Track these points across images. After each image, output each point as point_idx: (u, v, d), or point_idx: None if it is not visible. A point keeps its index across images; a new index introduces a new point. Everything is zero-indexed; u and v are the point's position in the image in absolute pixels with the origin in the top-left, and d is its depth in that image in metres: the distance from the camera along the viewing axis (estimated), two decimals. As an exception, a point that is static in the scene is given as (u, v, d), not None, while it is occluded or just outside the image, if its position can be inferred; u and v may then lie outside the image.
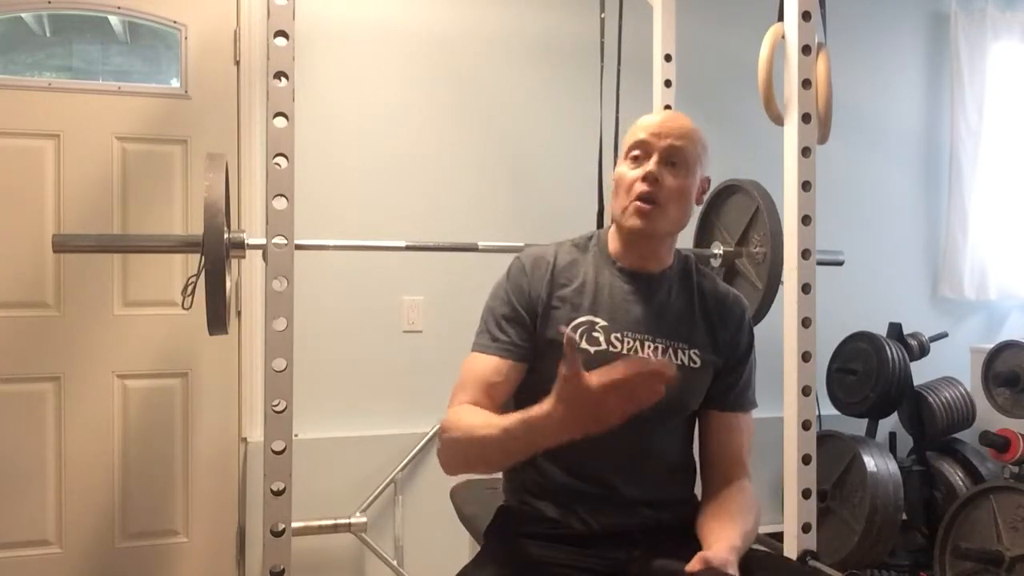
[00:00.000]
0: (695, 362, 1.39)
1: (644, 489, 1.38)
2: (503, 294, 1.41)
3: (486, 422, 1.24)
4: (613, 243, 1.45)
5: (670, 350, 1.38)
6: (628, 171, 1.39)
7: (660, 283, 1.42)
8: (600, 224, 2.57)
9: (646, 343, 1.37)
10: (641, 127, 1.40)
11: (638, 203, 1.36)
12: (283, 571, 1.79)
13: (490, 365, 1.36)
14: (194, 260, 1.91)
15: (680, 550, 1.25)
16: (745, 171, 2.46)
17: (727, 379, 1.43)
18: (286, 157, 1.81)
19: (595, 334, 1.36)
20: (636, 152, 1.39)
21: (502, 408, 1.34)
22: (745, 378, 1.45)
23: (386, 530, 2.87)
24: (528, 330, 1.37)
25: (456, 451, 1.31)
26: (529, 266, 1.41)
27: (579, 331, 1.35)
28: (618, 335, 1.37)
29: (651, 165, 1.36)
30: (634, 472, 1.37)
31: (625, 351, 1.35)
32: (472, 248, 2.28)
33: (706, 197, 1.48)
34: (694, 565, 1.15)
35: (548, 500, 1.38)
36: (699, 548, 1.23)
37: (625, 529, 1.36)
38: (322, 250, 2.45)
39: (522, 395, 1.37)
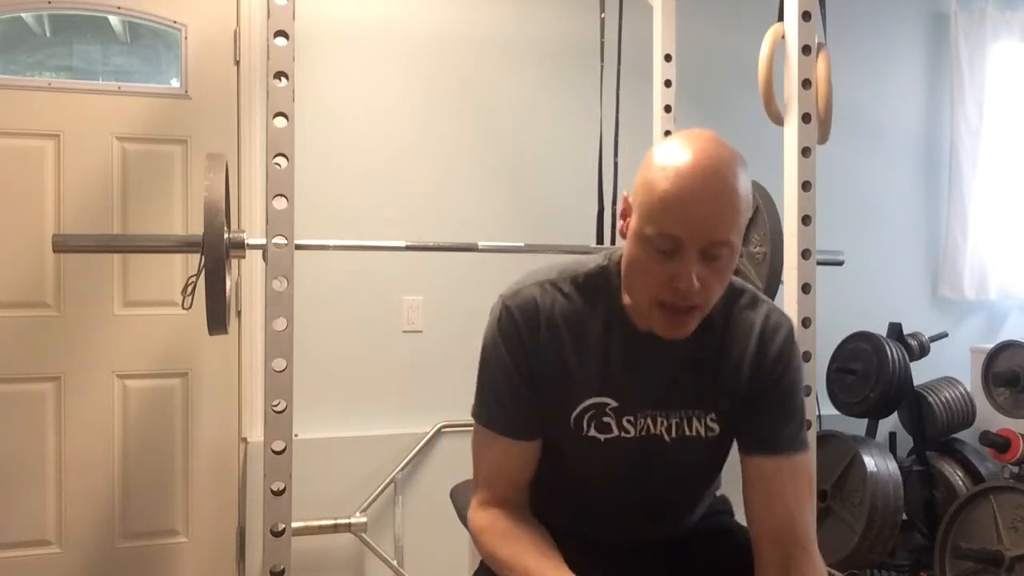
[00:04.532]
0: (712, 429, 1.20)
1: (665, 531, 1.32)
2: (499, 359, 1.19)
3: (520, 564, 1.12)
4: (632, 306, 1.17)
5: (685, 420, 1.19)
6: (652, 263, 1.07)
7: (676, 343, 1.15)
8: (600, 225, 2.57)
9: (658, 420, 1.19)
10: (670, 206, 1.03)
11: (671, 315, 1.08)
12: (283, 571, 1.79)
13: (507, 450, 1.21)
14: (194, 260, 1.91)
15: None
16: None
17: (755, 408, 1.19)
18: (286, 157, 1.81)
19: (605, 419, 1.19)
20: (664, 245, 1.05)
21: (528, 484, 1.24)
22: (781, 407, 1.18)
23: (386, 530, 2.87)
24: (534, 403, 1.20)
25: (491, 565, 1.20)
26: (521, 320, 1.18)
27: (587, 416, 1.18)
28: (630, 417, 1.19)
29: (691, 274, 1.04)
30: (655, 522, 1.30)
31: (636, 434, 1.19)
32: (472, 248, 2.28)
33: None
34: None
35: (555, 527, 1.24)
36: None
37: (648, 543, 1.32)
38: (322, 250, 2.45)
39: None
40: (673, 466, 1.22)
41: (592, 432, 1.19)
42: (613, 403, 1.18)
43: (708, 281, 1.06)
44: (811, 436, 1.99)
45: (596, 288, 1.20)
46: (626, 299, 1.17)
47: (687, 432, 1.20)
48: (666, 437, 1.20)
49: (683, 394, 1.20)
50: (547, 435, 1.22)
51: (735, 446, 1.25)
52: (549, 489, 1.26)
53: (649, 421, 1.19)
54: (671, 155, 1.05)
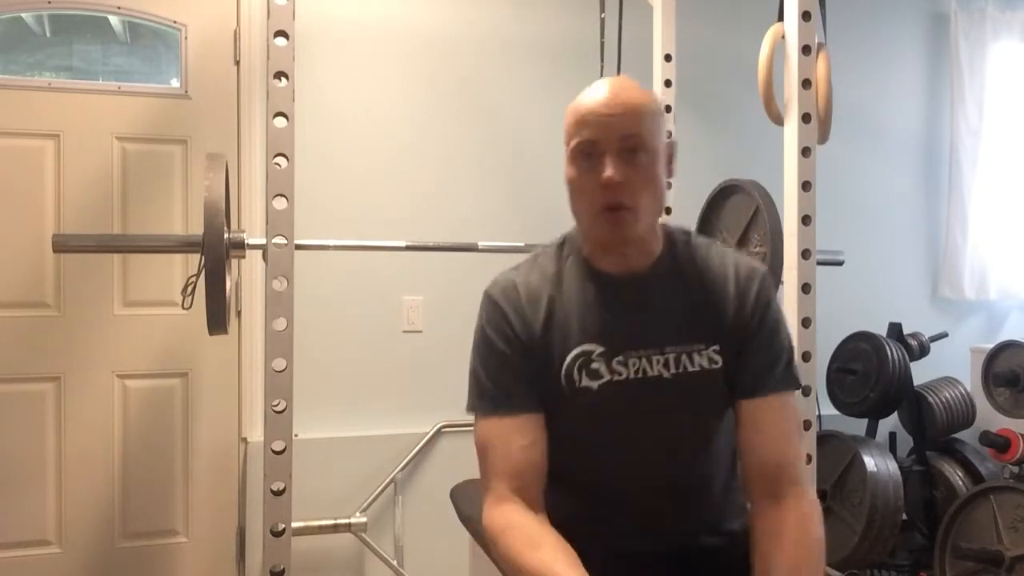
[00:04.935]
0: (714, 362, 1.20)
1: (690, 517, 1.25)
2: (486, 341, 1.23)
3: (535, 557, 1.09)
4: (589, 247, 1.25)
5: (684, 357, 1.19)
6: (582, 174, 1.18)
7: (652, 281, 1.23)
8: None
9: (654, 359, 1.19)
10: (583, 118, 1.17)
11: (608, 215, 1.16)
12: (283, 571, 1.79)
13: (512, 430, 1.18)
14: (194, 260, 1.91)
15: None
16: (745, 171, 2.46)
17: (741, 354, 1.21)
18: (286, 157, 1.81)
19: (593, 366, 1.19)
20: (583, 154, 1.17)
21: (544, 470, 1.20)
22: (764, 349, 1.21)
23: (386, 530, 2.87)
24: (530, 374, 1.21)
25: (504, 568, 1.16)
26: (503, 300, 1.23)
27: (576, 367, 1.19)
28: (620, 359, 1.19)
29: (608, 168, 1.14)
30: (675, 499, 1.23)
31: (632, 376, 1.19)
32: (472, 248, 2.28)
33: (674, 169, 1.25)
34: None
35: (589, 537, 1.18)
36: None
37: (666, 556, 1.23)
38: (322, 250, 2.46)
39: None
40: (682, 409, 1.20)
41: (584, 382, 1.19)
42: (599, 348, 1.19)
43: (631, 178, 1.15)
44: (811, 435, 2.00)
45: (562, 253, 1.28)
46: (586, 249, 1.25)
47: (689, 367, 1.19)
48: (665, 374, 1.19)
49: (675, 332, 1.21)
50: (548, 411, 1.21)
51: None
52: (565, 489, 1.23)
53: (644, 362, 1.19)
54: (586, 89, 1.23)
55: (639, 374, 1.19)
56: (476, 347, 1.25)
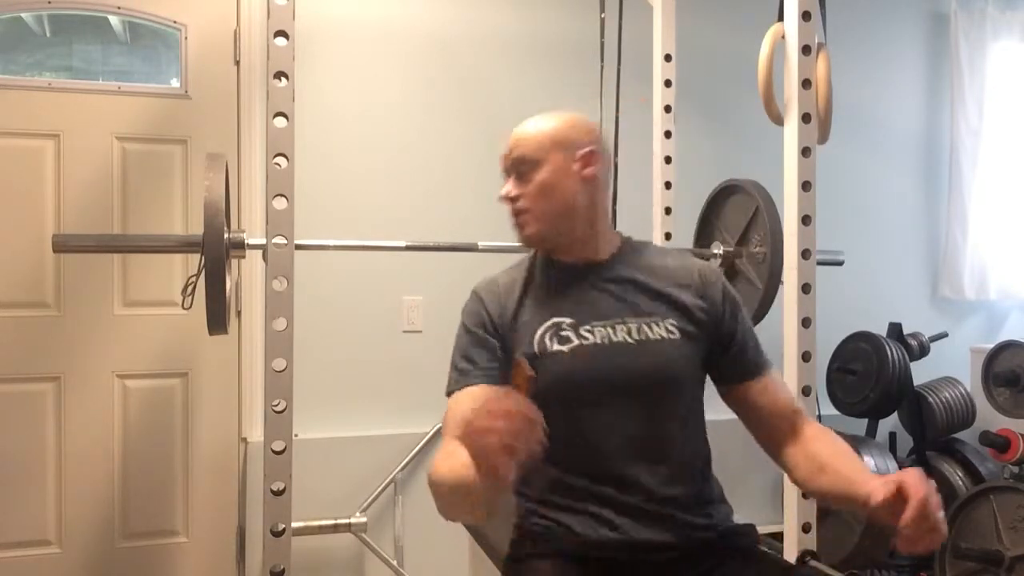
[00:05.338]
0: (672, 333, 1.36)
1: (666, 482, 1.32)
2: (463, 330, 1.41)
3: (446, 465, 1.21)
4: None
5: (644, 327, 1.36)
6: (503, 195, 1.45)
7: (611, 267, 1.42)
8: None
9: (617, 327, 1.36)
10: (501, 157, 1.46)
11: (512, 219, 1.42)
12: (283, 571, 1.79)
13: (467, 399, 1.31)
14: (194, 260, 1.91)
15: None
16: (745, 171, 2.46)
17: (734, 349, 1.41)
18: (286, 157, 1.81)
19: (564, 333, 1.35)
20: (504, 177, 1.46)
21: None
22: (749, 341, 1.43)
23: (386, 530, 2.87)
24: (496, 351, 1.37)
25: (436, 492, 1.27)
26: (483, 292, 1.43)
27: (547, 335, 1.35)
28: (587, 327, 1.35)
29: (505, 187, 1.42)
30: (650, 462, 1.32)
31: (599, 341, 1.34)
32: (472, 248, 2.28)
33: (596, 170, 1.41)
34: (909, 515, 1.07)
35: (571, 512, 1.33)
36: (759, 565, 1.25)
37: (662, 546, 1.31)
38: (322, 250, 2.45)
39: None
40: (645, 368, 1.34)
41: (555, 347, 1.34)
42: (568, 320, 1.36)
43: (524, 189, 1.39)
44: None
45: (529, 258, 1.49)
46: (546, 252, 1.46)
47: (650, 335, 1.36)
48: (629, 339, 1.35)
49: (634, 308, 1.38)
50: None
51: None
52: (547, 459, 1.24)
53: (609, 330, 1.36)
54: None
55: (605, 340, 1.35)
56: (456, 340, 1.42)
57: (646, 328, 1.36)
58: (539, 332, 1.35)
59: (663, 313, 1.38)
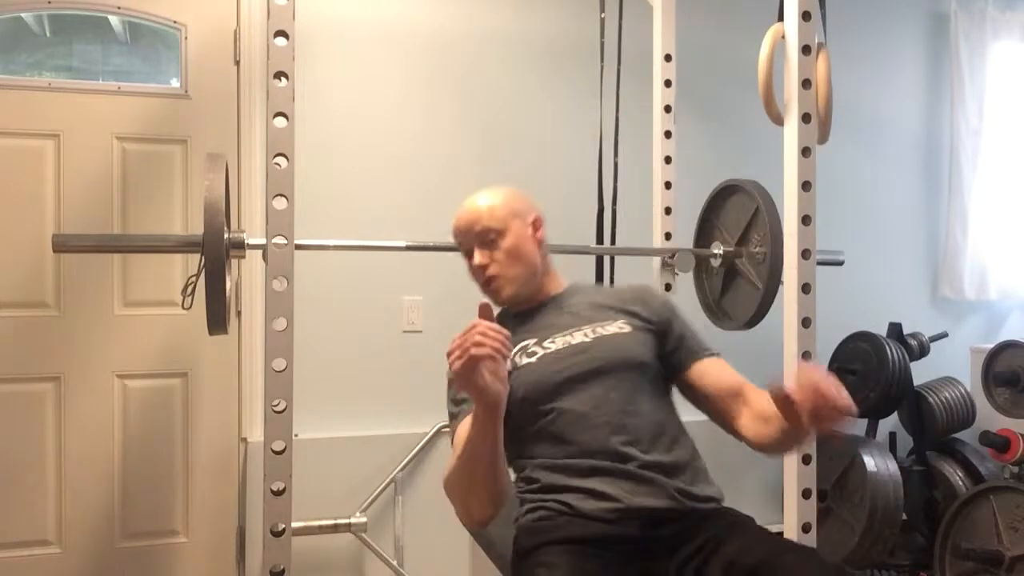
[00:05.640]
0: (624, 328, 1.56)
1: (645, 446, 1.45)
2: (449, 381, 1.58)
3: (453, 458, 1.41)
4: None
5: (597, 327, 1.55)
6: (471, 269, 1.63)
7: (563, 298, 1.64)
8: (600, 225, 2.57)
9: (575, 333, 1.55)
10: (454, 231, 1.64)
11: (488, 288, 1.60)
12: (283, 571, 1.79)
13: (465, 423, 1.42)
14: (194, 260, 1.91)
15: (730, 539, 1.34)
16: (745, 171, 2.46)
17: (673, 339, 1.60)
18: (286, 157, 1.81)
19: (530, 350, 1.54)
20: (466, 253, 1.63)
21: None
22: (687, 331, 1.62)
23: (386, 530, 2.87)
24: None
25: (451, 489, 1.41)
26: None
27: (517, 356, 1.53)
28: (549, 340, 1.55)
29: (476, 258, 1.59)
30: (627, 431, 1.46)
31: (560, 347, 1.53)
32: (472, 248, 2.27)
33: (543, 232, 1.66)
34: (803, 391, 1.20)
35: (569, 491, 1.43)
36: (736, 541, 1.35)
37: (658, 514, 1.40)
38: (322, 250, 2.45)
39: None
40: (605, 354, 1.52)
41: (525, 361, 1.53)
42: (531, 340, 1.56)
43: (491, 259, 1.59)
44: (811, 435, 2.00)
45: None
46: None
47: (604, 332, 1.55)
48: (585, 339, 1.54)
49: (587, 319, 1.58)
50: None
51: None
52: (541, 454, 1.49)
53: (567, 338, 1.55)
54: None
55: (565, 345, 1.54)
56: (447, 383, 1.60)
57: (600, 328, 1.55)
58: (512, 355, 1.50)
59: (612, 317, 1.58)
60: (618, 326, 1.56)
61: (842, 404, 1.19)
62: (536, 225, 1.63)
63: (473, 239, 1.59)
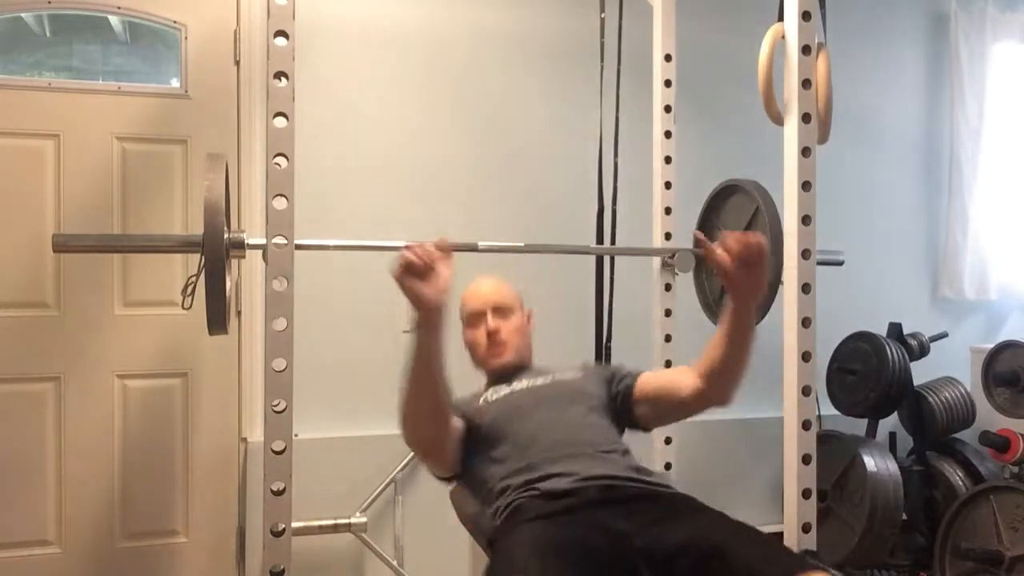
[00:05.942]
0: (579, 374, 1.89)
1: (597, 465, 1.62)
2: None
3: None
4: (487, 379, 1.94)
5: (557, 375, 1.86)
6: (475, 333, 1.89)
7: (532, 367, 1.93)
8: (600, 225, 2.57)
9: (538, 379, 1.84)
10: (471, 300, 1.90)
11: (494, 348, 1.86)
12: (283, 571, 1.79)
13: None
14: (194, 260, 1.91)
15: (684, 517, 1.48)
16: (745, 171, 2.46)
17: (617, 377, 1.87)
18: (286, 157, 1.81)
19: (503, 391, 1.82)
20: (475, 319, 1.88)
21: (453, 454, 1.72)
22: (621, 370, 1.90)
23: (386, 530, 2.87)
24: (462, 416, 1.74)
25: (400, 412, 1.57)
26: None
27: (490, 395, 1.82)
28: (518, 387, 1.83)
29: (490, 321, 1.86)
30: (585, 436, 1.70)
31: (525, 387, 1.82)
32: (472, 248, 2.27)
33: (531, 327, 1.98)
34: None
35: (538, 481, 1.60)
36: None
37: (616, 481, 1.58)
38: (322, 250, 2.45)
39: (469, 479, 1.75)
40: (558, 391, 1.81)
41: (496, 397, 1.81)
42: (505, 388, 1.83)
43: (505, 325, 1.88)
44: (811, 435, 2.00)
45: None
46: (485, 373, 1.95)
47: (559, 379, 1.86)
48: (545, 383, 1.84)
49: (549, 372, 1.88)
50: (474, 427, 1.73)
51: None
52: (505, 464, 1.67)
53: (530, 382, 1.84)
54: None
55: (529, 386, 1.82)
56: None
57: (558, 375, 1.87)
58: (484, 397, 1.82)
59: (571, 371, 1.90)
60: (573, 374, 1.89)
61: (753, 238, 1.46)
62: (529, 316, 1.97)
63: (490, 306, 1.87)
